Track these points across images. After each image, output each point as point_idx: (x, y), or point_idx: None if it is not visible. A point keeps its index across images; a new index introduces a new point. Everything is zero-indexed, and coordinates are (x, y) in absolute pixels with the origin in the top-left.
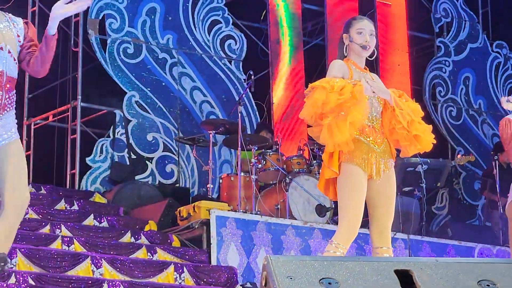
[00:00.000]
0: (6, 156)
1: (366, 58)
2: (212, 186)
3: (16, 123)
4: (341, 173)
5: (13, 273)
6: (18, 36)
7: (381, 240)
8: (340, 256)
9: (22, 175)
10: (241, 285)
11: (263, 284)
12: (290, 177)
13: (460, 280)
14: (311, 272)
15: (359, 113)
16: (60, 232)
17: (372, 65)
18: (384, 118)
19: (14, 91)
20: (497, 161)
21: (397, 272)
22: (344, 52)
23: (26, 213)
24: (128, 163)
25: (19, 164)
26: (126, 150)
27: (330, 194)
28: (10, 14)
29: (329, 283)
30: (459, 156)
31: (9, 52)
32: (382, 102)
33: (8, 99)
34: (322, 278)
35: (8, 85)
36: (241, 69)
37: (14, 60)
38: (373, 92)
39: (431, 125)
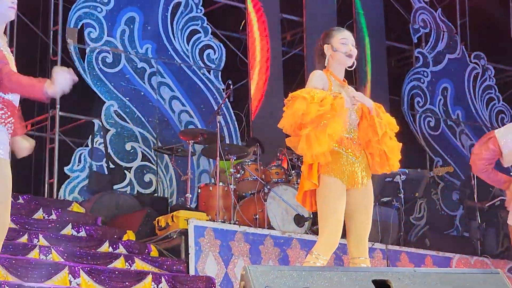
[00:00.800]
0: None
1: (346, 69)
2: (190, 195)
3: None
4: (320, 185)
5: None
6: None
7: (358, 250)
8: (318, 266)
9: None
10: None
11: None
12: (268, 187)
13: None
14: (290, 282)
15: (339, 125)
16: (37, 241)
17: (351, 75)
18: (360, 130)
19: None
20: None
21: (375, 282)
22: (325, 63)
23: None
24: (106, 173)
25: None
26: (105, 159)
27: (307, 205)
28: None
29: None
30: (437, 166)
31: None
32: (359, 114)
33: None
34: None
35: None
36: (220, 79)
37: None
38: (354, 103)
39: (401, 144)
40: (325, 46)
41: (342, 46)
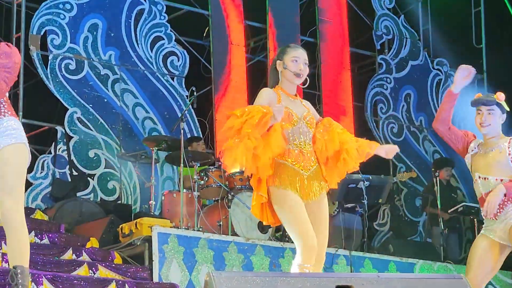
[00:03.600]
0: None
1: (298, 85)
2: (154, 202)
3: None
4: (272, 198)
5: None
6: None
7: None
8: (282, 272)
9: None
10: None
11: None
12: (232, 193)
13: None
14: (253, 287)
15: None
16: (0, 249)
17: (315, 82)
18: (316, 142)
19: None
20: (437, 178)
21: (339, 287)
22: (279, 78)
23: None
24: (69, 180)
25: None
26: (68, 166)
27: (264, 219)
28: None
29: None
30: (400, 172)
31: None
32: (312, 127)
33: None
34: None
35: None
36: (184, 86)
37: None
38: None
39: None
40: (278, 62)
41: (292, 64)
